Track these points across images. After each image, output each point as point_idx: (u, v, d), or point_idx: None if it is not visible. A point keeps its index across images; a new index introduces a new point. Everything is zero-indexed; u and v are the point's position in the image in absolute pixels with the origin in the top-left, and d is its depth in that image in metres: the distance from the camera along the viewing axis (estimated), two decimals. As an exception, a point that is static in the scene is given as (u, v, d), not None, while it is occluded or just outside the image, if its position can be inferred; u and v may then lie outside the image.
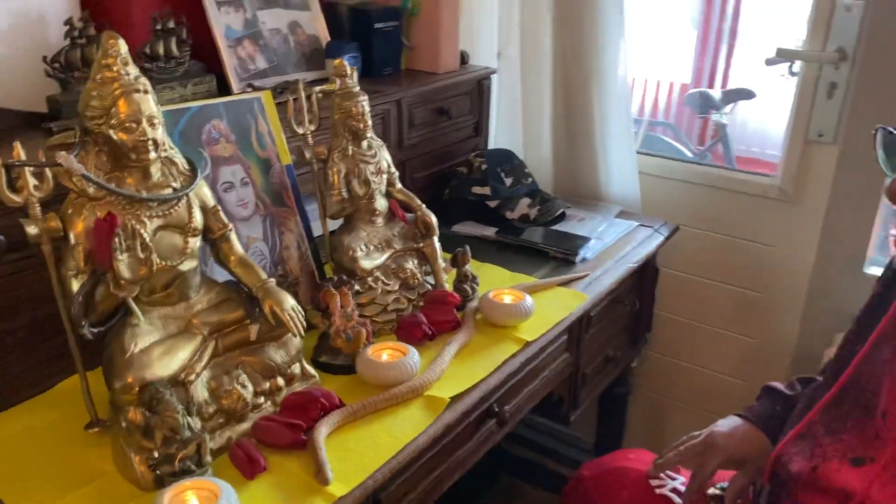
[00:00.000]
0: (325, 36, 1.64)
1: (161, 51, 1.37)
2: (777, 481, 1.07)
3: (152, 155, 0.93)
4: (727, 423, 1.19)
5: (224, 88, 1.44)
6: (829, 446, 1.02)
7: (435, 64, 1.73)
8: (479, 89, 1.81)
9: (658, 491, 1.22)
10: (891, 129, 0.92)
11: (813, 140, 1.72)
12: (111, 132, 0.90)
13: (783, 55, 1.73)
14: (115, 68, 0.90)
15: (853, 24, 1.58)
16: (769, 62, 3.39)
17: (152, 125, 0.92)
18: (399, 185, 1.34)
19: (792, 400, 1.18)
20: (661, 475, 1.24)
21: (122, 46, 0.92)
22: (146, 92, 0.92)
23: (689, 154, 3.62)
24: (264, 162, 1.26)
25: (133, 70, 0.92)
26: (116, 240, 0.87)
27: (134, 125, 0.90)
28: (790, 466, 1.04)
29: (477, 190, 1.67)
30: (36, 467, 0.94)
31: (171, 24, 1.38)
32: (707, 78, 4.48)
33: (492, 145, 1.89)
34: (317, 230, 1.34)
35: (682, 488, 1.21)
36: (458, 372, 1.15)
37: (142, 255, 0.89)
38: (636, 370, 1.95)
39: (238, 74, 1.47)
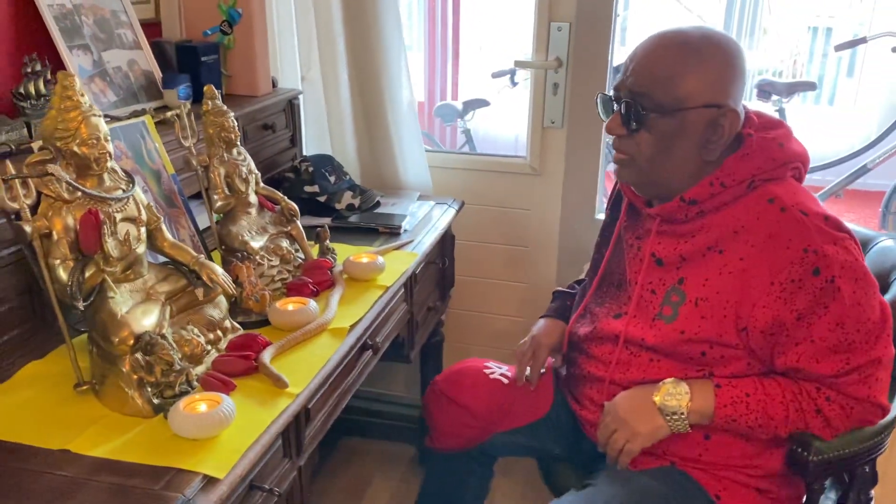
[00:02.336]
0: (156, 70, 1.90)
1: (32, 90, 1.56)
2: (572, 346, 1.59)
3: (109, 164, 1.19)
4: (539, 325, 1.66)
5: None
6: (600, 313, 1.54)
7: (254, 88, 2.06)
8: (290, 107, 2.17)
9: (491, 376, 1.68)
10: (603, 93, 1.46)
11: (548, 127, 2.31)
12: (76, 148, 1.16)
13: (519, 65, 2.31)
14: (74, 98, 1.16)
15: (564, 39, 2.20)
16: (495, 75, 4.10)
17: (107, 140, 1.19)
18: (262, 184, 1.67)
19: (574, 295, 1.71)
20: (490, 365, 1.71)
21: (77, 82, 1.17)
22: (100, 116, 1.19)
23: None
24: (155, 173, 1.53)
25: (87, 99, 1.18)
26: (105, 227, 1.13)
27: (95, 141, 1.17)
28: (579, 333, 1.56)
29: (308, 189, 2.02)
30: (43, 420, 1.14)
31: (39, 67, 1.58)
32: (439, 94, 5.14)
33: (306, 153, 2.25)
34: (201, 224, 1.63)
35: (509, 374, 1.68)
36: (344, 313, 1.52)
37: (121, 238, 1.16)
38: (445, 323, 2.42)
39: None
